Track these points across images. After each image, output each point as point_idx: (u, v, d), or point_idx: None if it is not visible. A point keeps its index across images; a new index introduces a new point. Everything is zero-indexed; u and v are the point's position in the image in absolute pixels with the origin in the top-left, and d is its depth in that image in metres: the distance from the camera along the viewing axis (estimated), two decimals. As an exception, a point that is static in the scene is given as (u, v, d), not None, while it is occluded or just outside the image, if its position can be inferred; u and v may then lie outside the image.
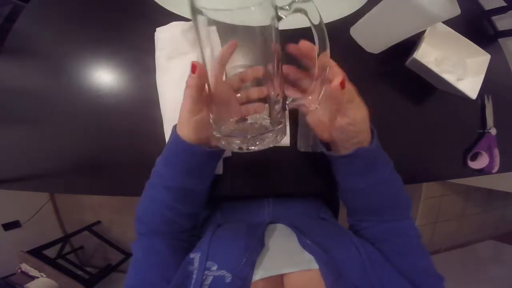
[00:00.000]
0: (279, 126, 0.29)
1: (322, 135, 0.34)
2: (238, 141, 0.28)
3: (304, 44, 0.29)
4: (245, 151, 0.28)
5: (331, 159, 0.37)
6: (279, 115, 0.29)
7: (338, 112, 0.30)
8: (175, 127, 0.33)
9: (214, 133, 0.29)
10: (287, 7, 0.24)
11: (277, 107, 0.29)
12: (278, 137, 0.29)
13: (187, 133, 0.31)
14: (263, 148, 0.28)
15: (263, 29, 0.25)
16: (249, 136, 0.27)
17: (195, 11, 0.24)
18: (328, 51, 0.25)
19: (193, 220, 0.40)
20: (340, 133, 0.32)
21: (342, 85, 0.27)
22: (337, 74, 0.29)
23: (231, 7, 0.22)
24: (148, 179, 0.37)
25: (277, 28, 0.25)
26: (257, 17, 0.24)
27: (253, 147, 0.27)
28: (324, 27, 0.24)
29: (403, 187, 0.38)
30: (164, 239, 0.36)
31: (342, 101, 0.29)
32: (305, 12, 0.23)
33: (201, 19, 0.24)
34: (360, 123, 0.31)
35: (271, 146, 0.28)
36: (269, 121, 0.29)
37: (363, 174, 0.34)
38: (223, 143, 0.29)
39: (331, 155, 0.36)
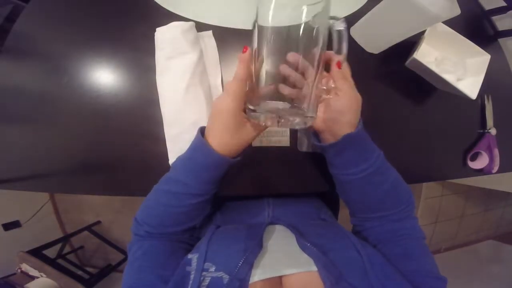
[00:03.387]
0: (309, 114, 0.30)
1: (316, 121, 0.36)
2: (266, 117, 0.30)
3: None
4: (269, 125, 0.31)
5: (324, 152, 0.38)
6: (312, 102, 0.30)
7: (333, 91, 0.33)
8: (202, 133, 0.33)
9: (250, 106, 0.30)
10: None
11: (312, 98, 0.30)
12: (307, 122, 0.30)
13: (225, 146, 0.32)
14: (291, 127, 0.33)
15: (316, 33, 0.28)
16: (282, 120, 0.29)
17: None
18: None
19: (199, 221, 0.40)
20: (331, 113, 0.33)
21: (338, 65, 0.31)
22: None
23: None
24: (151, 180, 0.37)
25: (326, 34, 0.29)
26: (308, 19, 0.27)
27: (277, 125, 0.29)
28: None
29: (400, 182, 0.38)
30: (164, 240, 0.36)
31: (337, 77, 0.32)
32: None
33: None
34: (352, 102, 0.33)
35: (297, 128, 0.33)
36: (300, 108, 0.31)
37: (353, 163, 0.35)
38: (261, 118, 0.30)
39: (322, 145, 0.37)
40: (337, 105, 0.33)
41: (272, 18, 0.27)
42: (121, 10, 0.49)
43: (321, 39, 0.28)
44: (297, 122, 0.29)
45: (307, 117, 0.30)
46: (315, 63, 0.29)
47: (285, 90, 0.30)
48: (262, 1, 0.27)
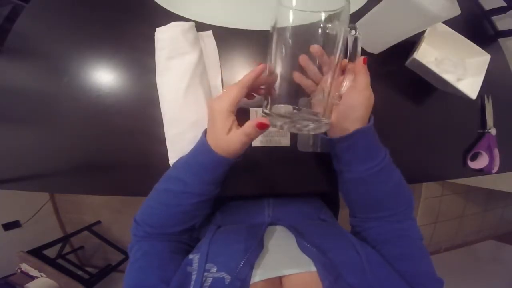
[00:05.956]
0: (324, 120, 0.31)
1: None
2: (282, 123, 0.30)
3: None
4: (284, 130, 0.32)
5: (333, 146, 0.38)
6: (328, 108, 0.31)
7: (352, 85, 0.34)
8: (205, 134, 0.34)
9: (266, 110, 0.31)
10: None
11: (327, 103, 0.31)
12: (322, 128, 0.31)
13: (219, 147, 0.32)
14: (308, 133, 0.32)
15: (335, 39, 0.29)
16: (296, 122, 0.29)
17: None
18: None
19: (198, 221, 0.40)
20: (343, 109, 0.34)
21: (364, 60, 0.33)
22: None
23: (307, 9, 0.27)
24: (151, 180, 0.37)
25: (344, 41, 0.30)
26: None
27: (293, 130, 0.30)
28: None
29: (403, 183, 0.38)
30: (164, 240, 0.36)
31: (359, 71, 0.33)
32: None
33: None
34: (365, 98, 0.33)
35: (312, 133, 0.36)
36: (313, 114, 0.31)
37: (362, 160, 0.35)
38: (278, 124, 0.30)
39: (332, 139, 0.36)
40: (350, 100, 0.33)
41: (293, 21, 0.28)
42: (121, 10, 0.49)
43: (340, 45, 0.29)
44: (312, 127, 0.30)
45: (322, 123, 0.30)
46: (332, 69, 0.30)
47: (302, 80, 0.31)
48: (282, 5, 0.28)
